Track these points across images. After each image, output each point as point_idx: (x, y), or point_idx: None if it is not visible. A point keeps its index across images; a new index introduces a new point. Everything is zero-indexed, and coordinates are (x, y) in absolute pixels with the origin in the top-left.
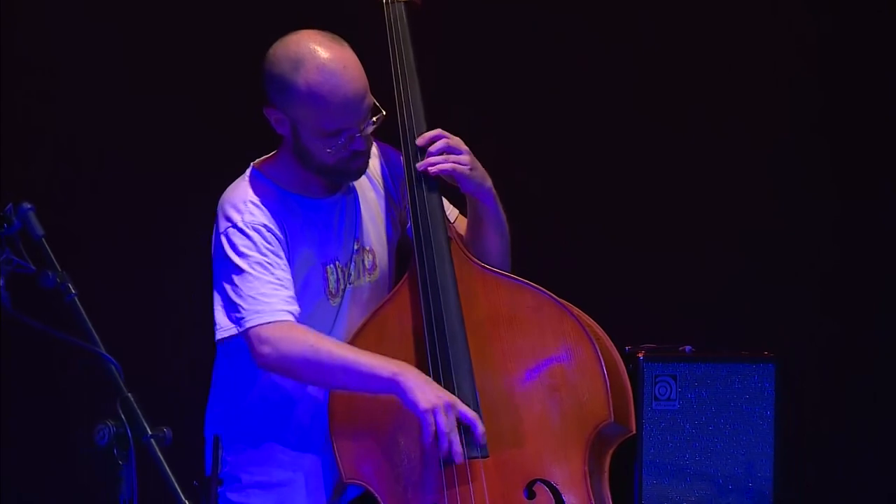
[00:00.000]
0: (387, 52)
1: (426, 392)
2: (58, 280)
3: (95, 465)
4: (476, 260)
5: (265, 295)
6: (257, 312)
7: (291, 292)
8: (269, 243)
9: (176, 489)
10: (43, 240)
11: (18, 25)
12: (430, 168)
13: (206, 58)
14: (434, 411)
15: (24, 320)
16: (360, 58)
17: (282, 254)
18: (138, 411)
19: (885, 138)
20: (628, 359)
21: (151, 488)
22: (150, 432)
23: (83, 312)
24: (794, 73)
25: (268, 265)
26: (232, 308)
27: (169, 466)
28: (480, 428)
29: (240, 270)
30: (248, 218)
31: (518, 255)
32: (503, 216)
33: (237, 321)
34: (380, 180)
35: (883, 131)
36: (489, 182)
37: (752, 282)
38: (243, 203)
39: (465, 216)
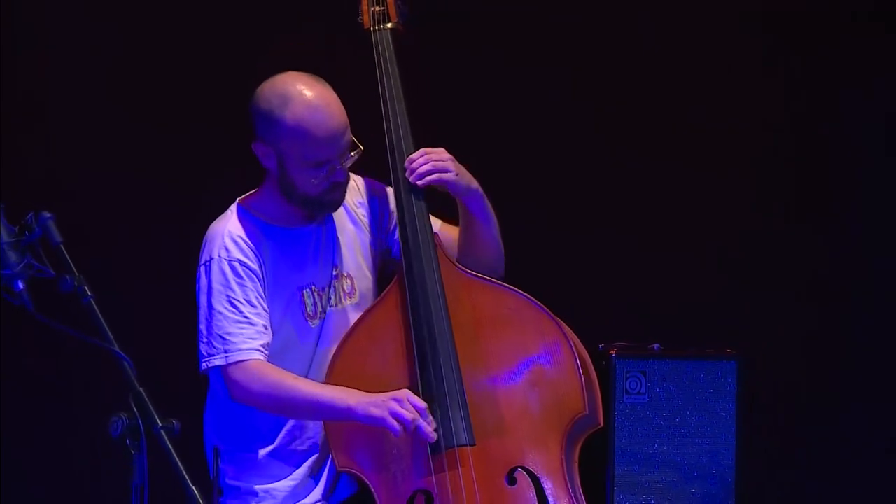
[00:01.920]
0: (375, 76)
1: (376, 406)
2: (75, 284)
3: (94, 465)
4: (460, 266)
5: (232, 335)
6: (225, 353)
7: (259, 327)
8: (242, 278)
9: (183, 476)
10: (61, 246)
11: (18, 26)
12: (417, 181)
13: (206, 61)
14: (392, 414)
15: (44, 321)
16: (351, 83)
17: (254, 286)
18: (149, 404)
19: (847, 145)
20: (601, 356)
21: (161, 475)
22: (160, 424)
23: (99, 313)
24: (765, 88)
25: (237, 302)
26: (205, 344)
27: (177, 455)
28: (428, 415)
29: (212, 307)
30: (223, 254)
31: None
32: (492, 213)
33: (208, 357)
34: (358, 212)
35: (847, 136)
36: (475, 183)
37: (717, 285)
38: (221, 238)
39: (451, 224)
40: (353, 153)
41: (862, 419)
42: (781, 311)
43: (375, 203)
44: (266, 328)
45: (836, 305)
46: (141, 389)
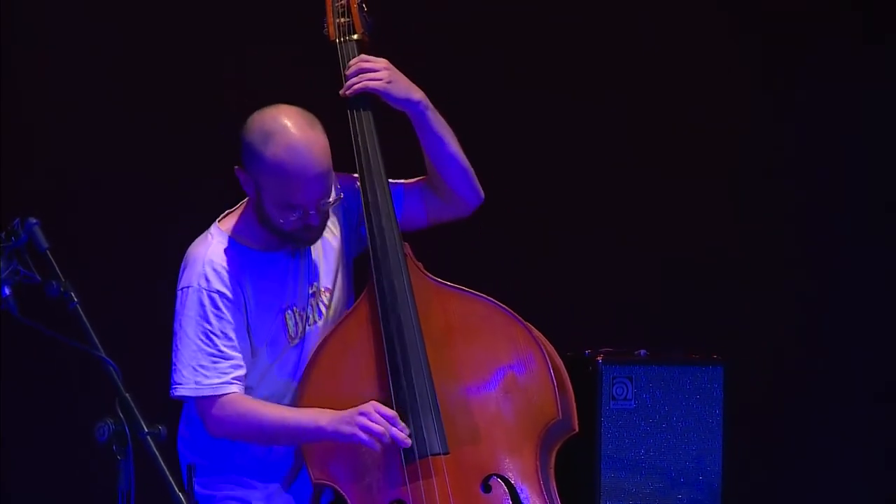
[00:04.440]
0: (341, 87)
1: (345, 422)
2: (61, 289)
3: (94, 466)
4: (430, 275)
5: (205, 368)
6: (196, 384)
7: (235, 360)
8: (220, 309)
9: (169, 481)
10: (48, 252)
11: (18, 26)
12: (347, 92)
13: (206, 61)
14: (361, 428)
15: (31, 325)
16: (316, 94)
17: (232, 318)
18: (135, 410)
19: (829, 148)
20: (588, 361)
21: (148, 480)
22: (146, 429)
23: (85, 319)
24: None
25: (212, 335)
26: (177, 371)
27: (163, 460)
28: (401, 423)
29: (187, 336)
30: (202, 283)
31: (484, 263)
32: (445, 126)
33: (179, 385)
34: (333, 218)
35: (837, 141)
36: (417, 93)
37: (704, 290)
38: (202, 265)
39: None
40: (330, 199)
41: (848, 425)
42: (768, 317)
43: (342, 200)
44: (241, 360)
45: (822, 312)
46: (127, 395)
